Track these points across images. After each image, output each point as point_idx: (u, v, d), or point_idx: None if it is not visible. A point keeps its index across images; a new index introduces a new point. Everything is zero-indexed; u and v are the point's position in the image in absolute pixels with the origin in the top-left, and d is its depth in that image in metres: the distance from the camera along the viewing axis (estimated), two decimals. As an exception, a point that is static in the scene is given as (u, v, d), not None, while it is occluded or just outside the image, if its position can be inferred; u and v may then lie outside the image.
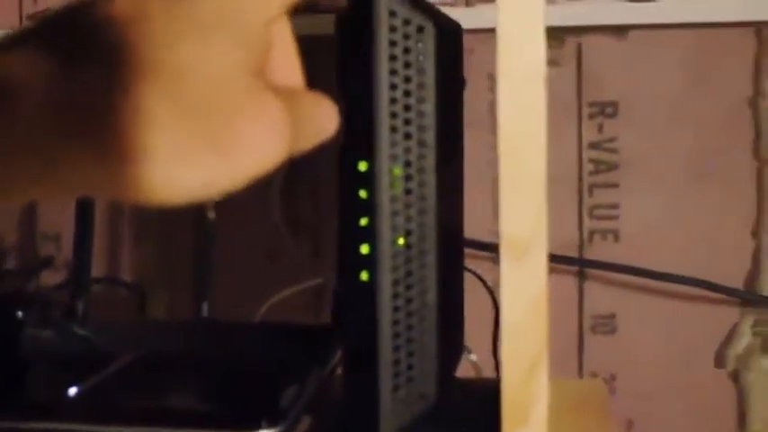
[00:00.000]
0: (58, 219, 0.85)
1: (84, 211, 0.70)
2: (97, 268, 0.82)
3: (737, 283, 0.80)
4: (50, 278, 0.85)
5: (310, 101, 0.34)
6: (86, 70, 0.32)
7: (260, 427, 0.43)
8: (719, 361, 0.82)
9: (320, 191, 0.80)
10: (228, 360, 0.55)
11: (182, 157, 0.31)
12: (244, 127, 0.32)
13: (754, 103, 0.79)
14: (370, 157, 0.41)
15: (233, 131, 0.31)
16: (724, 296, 0.80)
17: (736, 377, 0.82)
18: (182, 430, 0.45)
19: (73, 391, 0.49)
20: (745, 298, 0.80)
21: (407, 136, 0.41)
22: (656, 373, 0.82)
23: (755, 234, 0.80)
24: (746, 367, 0.81)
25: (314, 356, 0.54)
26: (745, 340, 0.81)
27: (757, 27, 0.77)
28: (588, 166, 0.82)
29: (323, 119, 0.34)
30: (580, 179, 0.83)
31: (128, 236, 0.88)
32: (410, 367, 0.43)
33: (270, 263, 0.84)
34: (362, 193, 0.41)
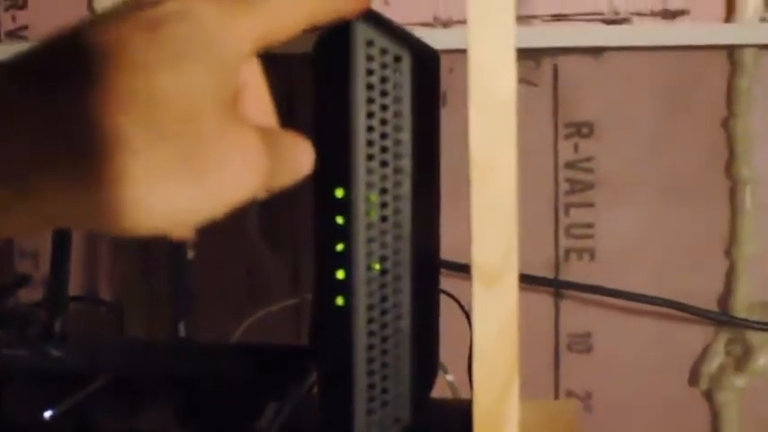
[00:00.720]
0: (36, 236, 0.85)
1: (62, 228, 0.70)
2: (76, 286, 0.82)
3: (711, 301, 0.81)
4: (28, 296, 0.85)
5: (287, 139, 0.35)
6: (65, 96, 0.32)
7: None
8: (693, 380, 0.83)
9: (299, 211, 0.81)
10: (205, 381, 0.55)
11: (156, 186, 0.32)
12: (219, 157, 0.32)
13: (727, 125, 0.80)
14: (347, 184, 0.41)
15: (208, 161, 0.32)
16: (697, 315, 0.81)
17: (709, 396, 0.83)
18: (157, 454, 0.45)
19: (48, 413, 0.49)
20: (718, 318, 0.80)
21: (384, 164, 0.42)
22: (632, 391, 0.83)
23: (729, 254, 0.81)
24: (720, 386, 0.82)
25: (291, 377, 0.54)
26: (718, 359, 0.82)
27: (730, 50, 0.79)
28: (564, 186, 0.83)
29: (300, 157, 0.35)
30: (556, 198, 0.83)
31: (106, 254, 0.88)
32: (384, 391, 0.44)
33: (248, 282, 0.84)
34: (339, 220, 0.42)
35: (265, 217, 0.83)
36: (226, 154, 0.32)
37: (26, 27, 0.89)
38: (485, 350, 0.41)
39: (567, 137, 0.83)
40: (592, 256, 0.83)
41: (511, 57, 0.40)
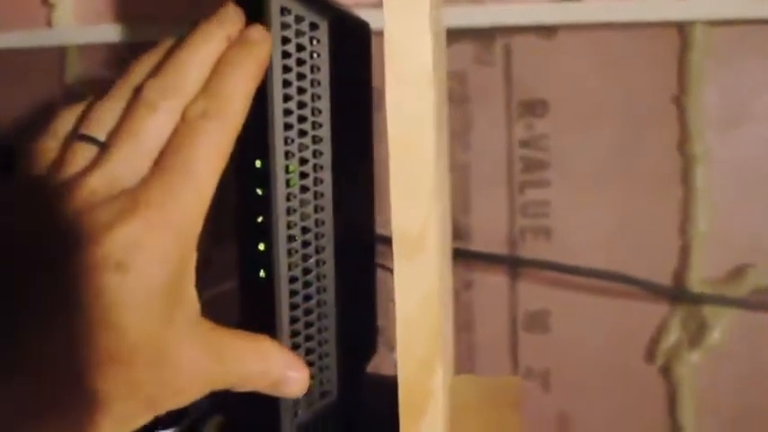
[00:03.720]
0: None
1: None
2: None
3: (666, 278, 0.81)
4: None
5: (237, 345, 0.41)
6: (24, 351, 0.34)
7: (155, 427, 0.43)
8: (650, 356, 0.83)
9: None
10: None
11: (122, 427, 0.35)
12: (176, 388, 0.36)
13: (679, 101, 0.80)
14: (265, 154, 0.41)
15: (167, 395, 0.36)
16: (653, 292, 0.81)
17: (665, 372, 0.83)
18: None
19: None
20: (674, 294, 0.81)
21: (302, 133, 0.41)
22: (590, 368, 0.83)
23: (682, 230, 0.81)
24: (675, 362, 0.82)
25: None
26: (673, 336, 0.82)
27: (680, 26, 0.78)
28: (519, 165, 0.83)
29: (248, 363, 0.41)
30: (511, 177, 0.83)
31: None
32: (310, 365, 0.43)
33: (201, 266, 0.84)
34: (259, 191, 0.42)
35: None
36: (182, 383, 0.36)
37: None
38: (407, 323, 0.41)
39: (521, 115, 0.83)
40: (548, 236, 0.83)
41: (426, 30, 0.39)
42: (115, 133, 0.37)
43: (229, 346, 0.39)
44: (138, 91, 0.38)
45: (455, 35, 0.81)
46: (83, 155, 0.37)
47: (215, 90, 0.38)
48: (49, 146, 0.38)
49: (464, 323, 0.85)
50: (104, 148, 0.37)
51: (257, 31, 0.40)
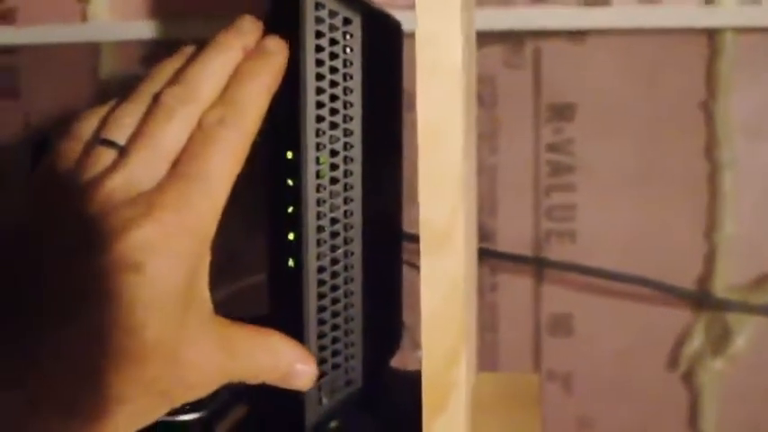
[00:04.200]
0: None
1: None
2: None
3: (691, 284, 0.81)
4: None
5: (248, 342, 0.42)
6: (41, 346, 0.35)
7: (183, 411, 0.44)
8: (672, 362, 0.83)
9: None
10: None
11: (137, 423, 0.36)
12: (188, 382, 0.38)
13: (706, 107, 0.80)
14: (297, 145, 0.42)
15: (180, 389, 0.37)
16: (678, 298, 0.81)
17: (688, 378, 0.83)
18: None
19: None
20: (699, 300, 0.81)
21: (333, 125, 0.42)
22: (612, 372, 0.83)
23: (708, 236, 0.81)
24: (698, 369, 0.82)
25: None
26: (697, 342, 0.82)
27: (710, 33, 0.79)
28: (545, 168, 0.84)
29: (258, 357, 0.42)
30: (538, 181, 0.84)
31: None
32: (335, 354, 0.44)
33: (226, 259, 0.85)
34: (289, 182, 0.42)
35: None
36: (195, 379, 0.37)
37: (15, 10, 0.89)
38: (432, 315, 0.42)
39: (549, 119, 0.83)
40: (573, 239, 0.84)
41: (457, 31, 0.40)
42: (134, 138, 0.38)
43: (240, 341, 0.40)
44: (157, 97, 0.39)
45: (485, 38, 0.82)
46: (103, 158, 0.38)
47: (231, 98, 0.39)
48: (72, 147, 0.39)
49: (489, 324, 0.85)
50: (123, 151, 0.38)
51: (273, 42, 0.41)
